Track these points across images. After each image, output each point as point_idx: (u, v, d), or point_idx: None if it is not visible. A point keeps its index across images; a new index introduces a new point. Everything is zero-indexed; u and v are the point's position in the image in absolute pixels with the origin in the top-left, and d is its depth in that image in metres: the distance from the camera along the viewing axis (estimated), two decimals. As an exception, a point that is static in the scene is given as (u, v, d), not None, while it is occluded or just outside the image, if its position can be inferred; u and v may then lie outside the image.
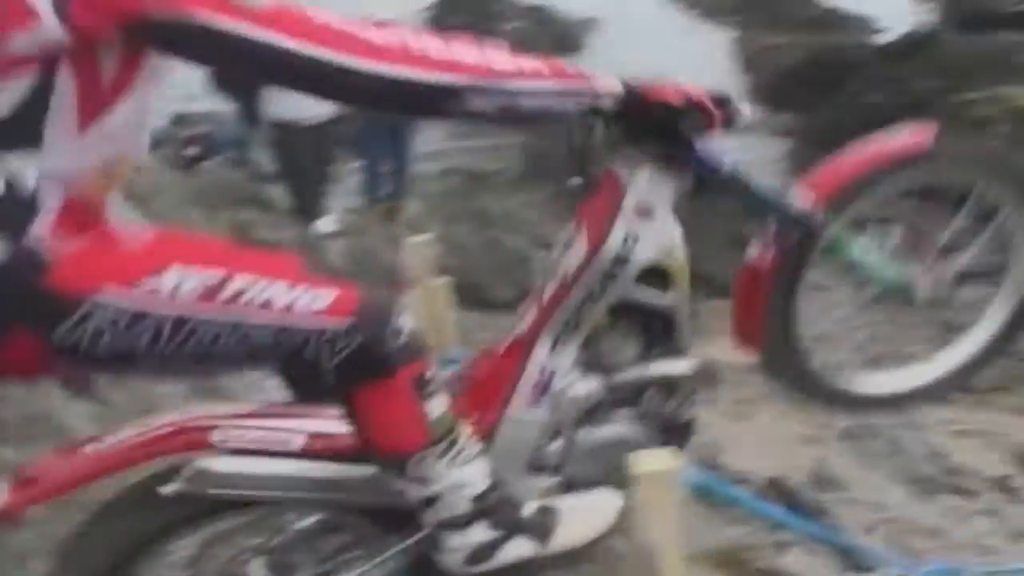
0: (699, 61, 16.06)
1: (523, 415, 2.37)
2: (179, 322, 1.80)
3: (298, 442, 2.21)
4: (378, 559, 2.32)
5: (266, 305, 1.87)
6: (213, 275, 1.84)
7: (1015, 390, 8.39)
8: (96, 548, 2.17)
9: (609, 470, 2.38)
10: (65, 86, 1.70)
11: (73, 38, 1.67)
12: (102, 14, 1.66)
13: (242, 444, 2.15)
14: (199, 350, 1.83)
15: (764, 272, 2.66)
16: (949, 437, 7.07)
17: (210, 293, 1.82)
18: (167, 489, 2.11)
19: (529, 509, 2.31)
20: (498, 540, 2.20)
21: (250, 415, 2.22)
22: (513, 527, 2.24)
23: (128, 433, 2.14)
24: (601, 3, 19.15)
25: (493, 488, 2.23)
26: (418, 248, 3.89)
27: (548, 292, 2.39)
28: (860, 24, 19.82)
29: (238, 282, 1.85)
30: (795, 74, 16.39)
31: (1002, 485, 6.44)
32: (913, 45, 16.00)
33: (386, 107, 1.94)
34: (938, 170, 2.87)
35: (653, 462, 2.29)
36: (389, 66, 1.77)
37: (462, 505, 2.17)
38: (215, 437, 2.15)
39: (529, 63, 1.97)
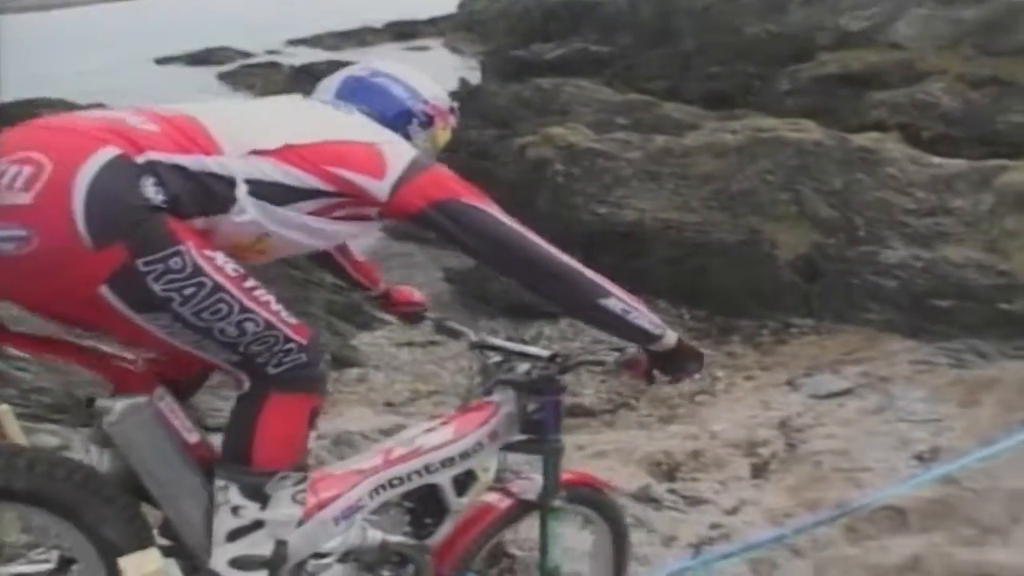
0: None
1: (326, 522, 2.59)
2: (216, 288, 2.18)
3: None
4: None
5: (266, 304, 2.29)
6: (243, 266, 2.29)
7: (635, 406, 9.19)
8: None
9: None
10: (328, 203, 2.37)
11: (382, 200, 2.38)
12: (406, 208, 2.39)
13: None
14: (211, 317, 2.20)
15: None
16: (587, 460, 7.60)
17: (241, 278, 2.25)
18: None
19: None
20: None
21: None
22: None
23: None
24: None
25: (284, 544, 2.45)
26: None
27: (398, 450, 2.77)
28: (414, 86, 20.90)
29: (254, 279, 2.29)
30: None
31: (644, 496, 7.05)
32: (464, 99, 17.15)
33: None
34: None
35: (142, 562, 2.30)
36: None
37: (265, 547, 2.39)
38: None
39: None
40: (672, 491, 7.15)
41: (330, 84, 2.73)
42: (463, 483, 2.87)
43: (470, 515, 2.96)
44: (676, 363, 2.84)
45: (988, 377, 8.34)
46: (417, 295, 3.57)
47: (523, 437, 2.97)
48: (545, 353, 3.03)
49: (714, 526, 6.64)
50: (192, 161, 2.19)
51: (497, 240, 2.43)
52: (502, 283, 12.13)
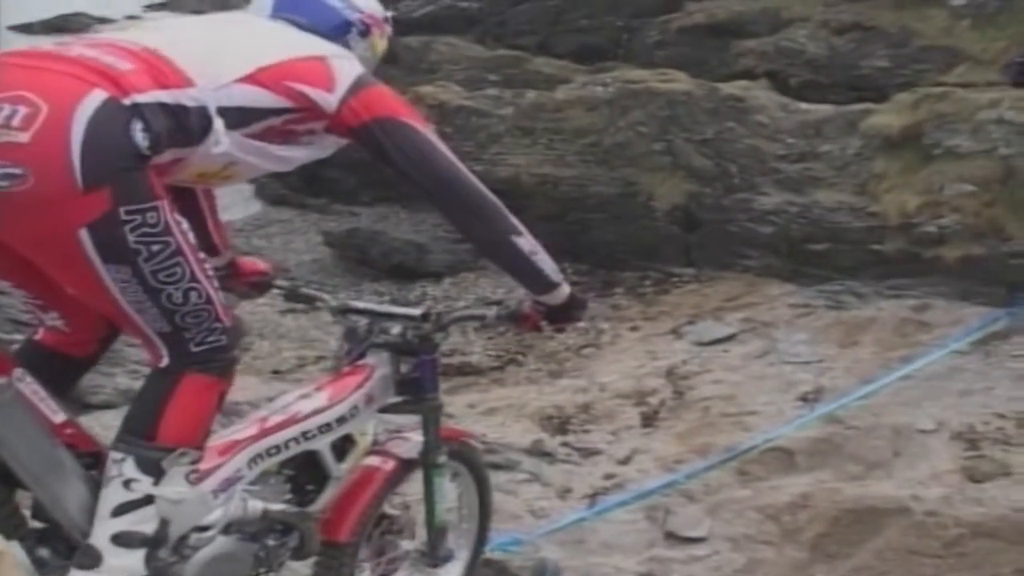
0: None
1: (205, 495, 2.51)
2: (177, 250, 2.25)
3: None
4: None
5: (211, 280, 2.34)
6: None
7: (523, 362, 9.16)
8: None
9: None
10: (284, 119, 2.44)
11: (330, 112, 2.44)
12: (349, 121, 2.46)
13: None
14: (165, 279, 2.25)
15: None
16: (478, 418, 7.58)
17: (196, 248, 2.32)
18: None
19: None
20: None
21: None
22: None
23: None
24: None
25: (167, 524, 2.43)
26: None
27: (274, 418, 2.70)
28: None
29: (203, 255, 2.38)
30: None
31: (537, 450, 7.04)
32: (331, 61, 16.91)
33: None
34: None
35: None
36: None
37: (150, 524, 2.36)
38: None
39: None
40: (565, 444, 7.17)
41: (264, 1, 2.72)
42: (342, 448, 2.86)
43: (356, 480, 2.96)
44: (566, 313, 2.89)
45: (865, 317, 8.53)
46: (262, 264, 3.42)
47: (400, 399, 2.98)
48: (416, 312, 3.02)
49: (608, 476, 6.67)
50: (170, 96, 2.24)
51: (426, 163, 2.49)
52: (383, 245, 12.02)
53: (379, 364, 2.91)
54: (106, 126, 2.12)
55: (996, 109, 9.02)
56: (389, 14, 2.92)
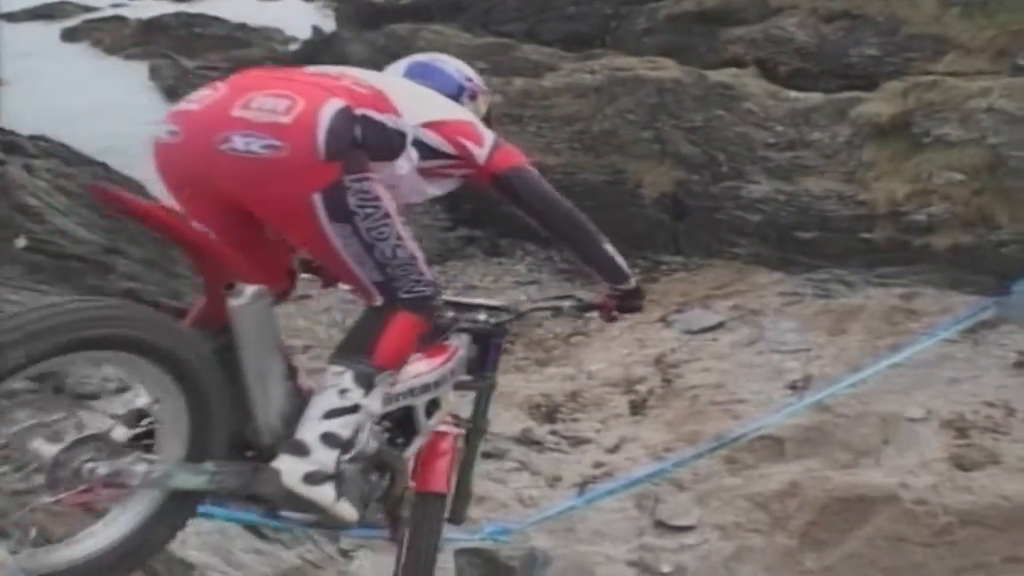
0: (121, 96, 15.70)
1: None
2: (386, 214, 2.77)
3: None
4: None
5: (412, 241, 2.85)
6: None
7: (511, 350, 9.12)
8: None
9: None
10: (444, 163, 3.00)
11: (479, 163, 3.00)
12: (494, 170, 3.01)
13: None
14: (377, 236, 2.77)
15: None
16: (467, 407, 7.52)
17: (398, 215, 2.82)
18: None
19: None
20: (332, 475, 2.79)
21: None
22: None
23: None
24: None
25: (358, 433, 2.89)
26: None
27: None
28: (269, 35, 20.44)
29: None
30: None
31: (526, 439, 7.03)
32: (319, 47, 16.78)
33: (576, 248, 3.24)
34: None
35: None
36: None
37: (348, 430, 2.80)
38: None
39: None
40: (554, 432, 7.17)
41: (398, 67, 3.36)
42: (430, 410, 3.24)
43: (436, 440, 3.40)
44: (634, 300, 3.45)
45: (853, 305, 8.52)
46: None
47: (467, 377, 3.43)
48: (496, 303, 3.58)
49: (597, 464, 6.67)
50: (385, 118, 2.84)
51: (547, 202, 3.10)
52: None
53: (460, 345, 3.35)
54: (341, 122, 2.71)
55: (986, 98, 9.01)
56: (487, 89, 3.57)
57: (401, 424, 3.19)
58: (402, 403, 3.11)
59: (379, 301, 2.86)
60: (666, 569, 5.69)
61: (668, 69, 11.41)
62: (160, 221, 2.76)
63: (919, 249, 8.91)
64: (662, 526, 6.08)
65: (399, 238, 2.82)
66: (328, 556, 5.31)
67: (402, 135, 2.87)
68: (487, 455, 6.67)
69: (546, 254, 11.15)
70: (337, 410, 2.78)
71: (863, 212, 9.30)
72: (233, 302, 2.75)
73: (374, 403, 2.84)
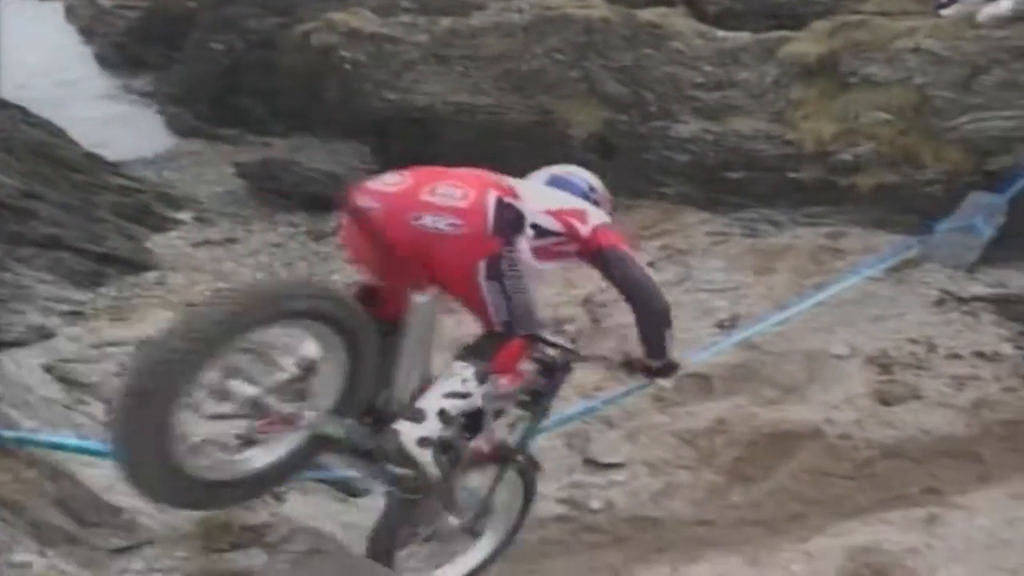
0: (36, 36, 15.25)
1: None
2: (523, 277, 3.61)
3: None
4: None
5: (536, 300, 3.74)
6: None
7: (440, 291, 9.08)
8: None
9: None
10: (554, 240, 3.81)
11: (584, 238, 3.82)
12: (594, 244, 3.81)
13: None
14: (515, 292, 3.61)
15: None
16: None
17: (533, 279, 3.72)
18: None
19: None
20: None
21: None
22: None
23: None
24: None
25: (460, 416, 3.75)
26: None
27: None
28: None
29: None
30: (136, 34, 16.05)
31: (455, 379, 6.98)
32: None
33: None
34: None
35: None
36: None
37: (457, 411, 3.63)
38: None
39: None
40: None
41: (540, 175, 4.27)
42: (495, 416, 3.88)
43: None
44: (665, 373, 4.30)
45: (781, 245, 8.58)
46: None
47: (526, 398, 4.15)
48: (571, 345, 4.31)
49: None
50: (522, 207, 3.71)
51: (633, 284, 3.89)
52: (297, 175, 11.77)
53: (531, 373, 4.10)
54: (500, 207, 3.62)
55: (912, 38, 9.03)
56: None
57: (471, 420, 3.74)
58: (479, 403, 3.70)
59: (500, 329, 3.71)
60: (595, 506, 5.72)
61: (596, 8, 11.28)
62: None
63: (845, 189, 8.96)
64: (591, 463, 6.11)
65: (527, 294, 3.69)
66: (260, 499, 5.30)
67: (523, 216, 3.68)
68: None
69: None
70: (455, 393, 3.61)
71: (790, 152, 9.31)
72: (417, 298, 3.68)
73: (479, 396, 3.65)
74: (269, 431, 3.61)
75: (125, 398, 3.15)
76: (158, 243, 10.57)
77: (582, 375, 6.85)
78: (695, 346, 6.82)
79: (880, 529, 5.06)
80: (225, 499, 3.75)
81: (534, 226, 3.70)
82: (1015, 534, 4.93)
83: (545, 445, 5.63)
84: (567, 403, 6.49)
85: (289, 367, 3.72)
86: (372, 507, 5.25)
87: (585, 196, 4.14)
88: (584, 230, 3.80)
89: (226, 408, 3.50)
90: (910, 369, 6.77)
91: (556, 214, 3.79)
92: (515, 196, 3.67)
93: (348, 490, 5.45)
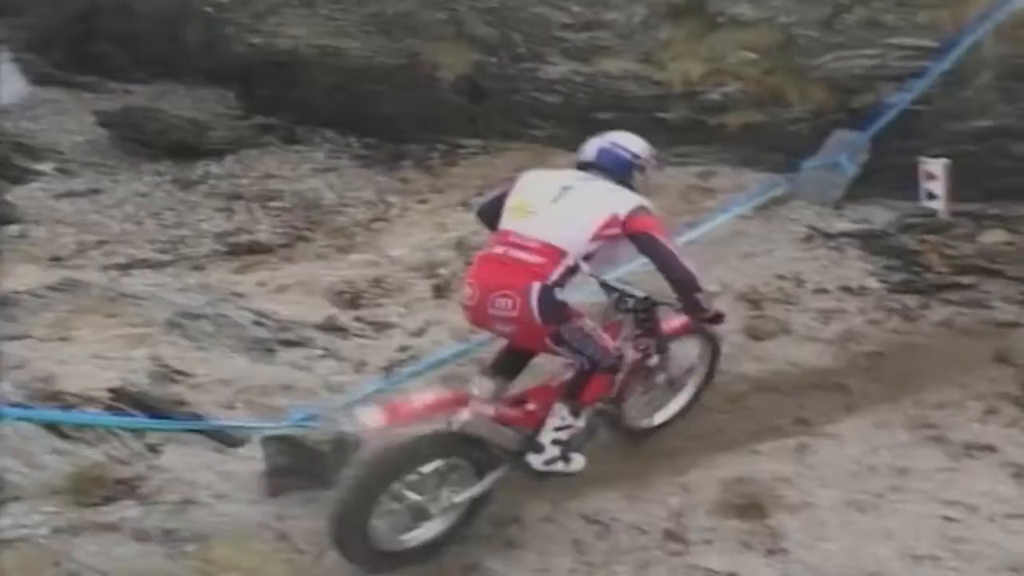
0: None
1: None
2: (585, 335, 4.63)
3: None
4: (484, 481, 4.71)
5: (601, 337, 4.79)
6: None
7: (311, 238, 8.93)
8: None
9: None
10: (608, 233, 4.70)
11: (621, 231, 4.62)
12: (630, 228, 4.61)
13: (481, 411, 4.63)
14: (583, 346, 4.66)
15: None
16: (269, 297, 7.34)
17: (593, 328, 4.74)
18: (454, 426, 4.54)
19: None
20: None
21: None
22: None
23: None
24: None
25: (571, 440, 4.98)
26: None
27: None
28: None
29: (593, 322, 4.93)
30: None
31: (330, 326, 6.87)
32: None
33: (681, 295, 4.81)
34: None
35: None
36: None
37: (565, 436, 4.83)
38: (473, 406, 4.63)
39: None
40: (358, 319, 7.06)
41: (590, 148, 5.07)
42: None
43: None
44: (714, 322, 5.11)
45: (653, 184, 8.57)
46: None
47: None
48: (641, 294, 5.14)
49: (402, 348, 6.60)
50: (562, 266, 4.52)
51: (665, 264, 4.62)
52: (161, 123, 11.39)
53: (627, 319, 5.15)
54: (543, 299, 4.46)
55: (776, -23, 9.10)
56: (655, 152, 5.20)
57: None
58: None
59: (586, 366, 4.71)
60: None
61: (464, -52, 11.12)
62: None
63: (714, 128, 9.03)
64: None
65: (594, 343, 4.65)
66: (135, 452, 5.18)
67: (576, 264, 4.57)
68: (291, 344, 6.54)
69: (345, 141, 10.91)
70: (559, 427, 4.78)
71: (659, 92, 9.34)
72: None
73: (580, 422, 4.86)
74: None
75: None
76: (19, 195, 10.19)
77: (453, 318, 6.82)
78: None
79: (753, 460, 5.21)
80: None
81: (586, 255, 4.62)
82: (879, 460, 5.10)
83: (421, 388, 5.57)
84: (441, 346, 6.45)
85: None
86: (248, 456, 5.18)
87: (630, 166, 4.98)
88: (618, 228, 4.59)
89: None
90: (779, 304, 6.88)
91: (594, 238, 4.59)
92: (557, 259, 4.52)
93: (225, 440, 5.38)
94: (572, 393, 4.77)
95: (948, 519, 4.53)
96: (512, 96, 10.18)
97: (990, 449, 5.07)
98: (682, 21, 9.56)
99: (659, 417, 5.61)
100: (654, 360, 5.34)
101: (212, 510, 4.76)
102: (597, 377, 4.77)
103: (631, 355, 5.09)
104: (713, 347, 5.69)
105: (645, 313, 5.12)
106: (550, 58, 10.13)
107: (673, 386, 5.60)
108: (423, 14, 10.80)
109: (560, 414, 4.76)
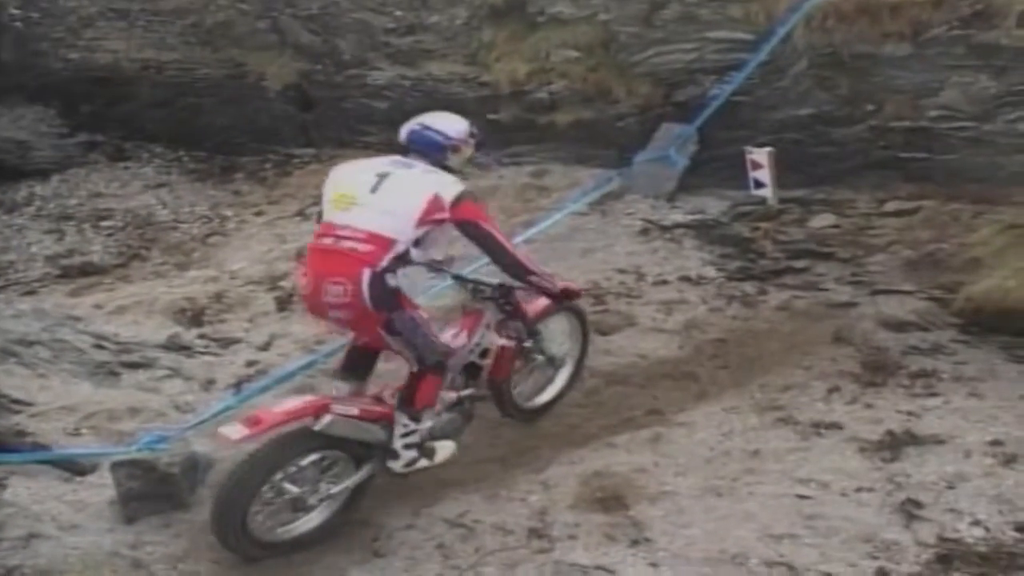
0: None
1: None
2: (417, 325, 4.70)
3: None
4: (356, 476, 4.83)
5: (433, 332, 4.88)
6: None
7: (147, 256, 8.65)
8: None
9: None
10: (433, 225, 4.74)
11: (447, 216, 4.65)
12: (456, 217, 4.66)
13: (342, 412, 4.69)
14: (413, 336, 4.70)
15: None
16: (107, 319, 7.10)
17: (428, 320, 4.81)
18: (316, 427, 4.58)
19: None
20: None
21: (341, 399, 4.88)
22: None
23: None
24: None
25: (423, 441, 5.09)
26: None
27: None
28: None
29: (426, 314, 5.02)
30: None
31: (174, 345, 6.70)
32: None
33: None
34: None
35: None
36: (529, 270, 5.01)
37: (415, 439, 4.92)
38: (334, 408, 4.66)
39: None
40: (202, 336, 6.91)
41: (403, 131, 5.03)
42: (482, 355, 5.35)
43: (500, 354, 5.46)
44: (572, 298, 5.51)
45: (488, 186, 8.67)
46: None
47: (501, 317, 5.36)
48: (495, 282, 5.22)
49: (250, 363, 6.49)
50: (392, 251, 4.54)
51: (493, 249, 4.78)
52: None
53: (487, 307, 5.30)
54: (374, 285, 4.50)
55: (594, -25, 9.26)
56: (473, 131, 5.13)
57: (469, 369, 5.28)
58: (468, 358, 5.19)
59: (416, 367, 4.82)
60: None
61: (277, -45, 10.97)
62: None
63: (544, 127, 9.16)
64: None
65: (425, 335, 4.70)
66: None
67: (407, 249, 4.57)
68: (135, 366, 6.35)
69: (174, 155, 10.67)
70: (405, 434, 4.88)
71: (488, 93, 9.42)
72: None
73: (424, 424, 4.95)
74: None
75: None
76: None
77: (299, 330, 6.76)
78: (412, 291, 6.82)
79: (610, 452, 5.26)
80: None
81: (415, 240, 4.60)
82: (733, 444, 5.22)
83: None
84: (289, 359, 6.37)
85: None
86: (99, 483, 5.02)
87: (442, 147, 4.91)
88: (443, 212, 4.61)
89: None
90: (622, 298, 7.01)
91: (420, 224, 4.58)
92: (386, 246, 4.52)
93: (73, 469, 5.21)
94: (407, 400, 4.86)
95: (802, 497, 4.66)
96: (341, 103, 10.14)
97: (836, 427, 5.23)
98: (503, 22, 9.66)
99: (547, 394, 5.83)
100: (528, 343, 5.48)
101: (60, 542, 4.59)
102: (426, 379, 4.85)
103: (496, 342, 5.32)
104: (581, 320, 5.92)
105: (504, 299, 5.23)
106: (376, 63, 10.12)
107: (554, 363, 5.81)
108: (244, 24, 10.65)
109: (401, 422, 4.85)
